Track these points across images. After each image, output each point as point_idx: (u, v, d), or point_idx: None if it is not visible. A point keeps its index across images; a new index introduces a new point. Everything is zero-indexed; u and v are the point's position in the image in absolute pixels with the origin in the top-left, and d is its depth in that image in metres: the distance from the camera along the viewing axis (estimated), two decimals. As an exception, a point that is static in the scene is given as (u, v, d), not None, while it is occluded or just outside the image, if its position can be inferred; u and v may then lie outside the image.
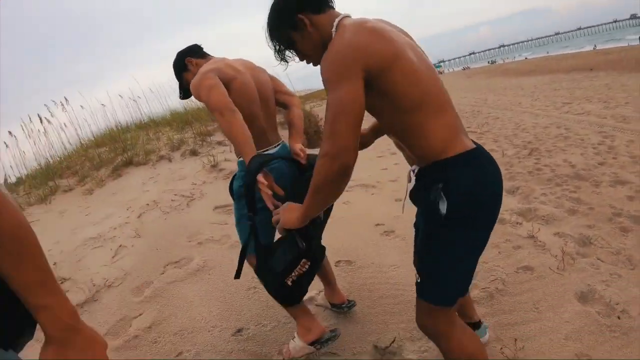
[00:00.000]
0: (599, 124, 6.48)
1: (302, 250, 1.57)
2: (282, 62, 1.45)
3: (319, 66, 1.28)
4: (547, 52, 65.59)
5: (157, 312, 2.71)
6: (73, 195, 5.78)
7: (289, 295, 1.90)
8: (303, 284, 1.80)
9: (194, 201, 4.51)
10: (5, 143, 7.26)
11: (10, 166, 7.46)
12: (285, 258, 1.62)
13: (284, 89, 2.18)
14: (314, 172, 1.24)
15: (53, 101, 7.95)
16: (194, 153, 6.24)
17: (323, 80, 1.21)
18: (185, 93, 2.09)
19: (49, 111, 7.74)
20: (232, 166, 5.41)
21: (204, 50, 2.10)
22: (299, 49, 1.40)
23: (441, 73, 72.73)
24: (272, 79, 2.15)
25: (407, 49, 1.24)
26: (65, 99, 7.98)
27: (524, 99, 11.92)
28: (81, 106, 8.39)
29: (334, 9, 1.39)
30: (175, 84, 2.14)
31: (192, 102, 8.87)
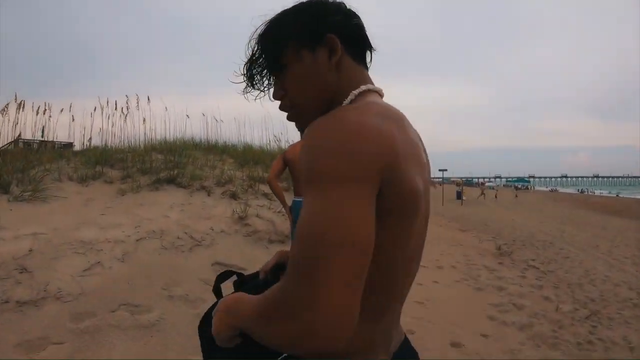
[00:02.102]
0: (679, 292, 5.39)
1: None
2: (246, 84, 0.92)
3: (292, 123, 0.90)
4: (641, 193, 61.30)
5: (76, 349, 2.47)
6: (109, 189, 5.80)
7: None
8: None
9: (199, 247, 4.28)
10: (90, 113, 7.86)
11: (83, 134, 7.99)
12: None
13: None
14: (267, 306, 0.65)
15: (148, 96, 8.48)
16: (233, 196, 6.10)
17: (307, 169, 0.66)
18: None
19: (137, 101, 8.20)
20: (261, 225, 5.17)
21: None
22: (289, 82, 0.86)
23: (527, 189, 68.37)
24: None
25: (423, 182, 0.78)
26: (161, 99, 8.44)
27: (603, 241, 10.64)
28: (166, 108, 8.77)
29: (367, 71, 0.91)
30: None
31: (271, 142, 9.19)
